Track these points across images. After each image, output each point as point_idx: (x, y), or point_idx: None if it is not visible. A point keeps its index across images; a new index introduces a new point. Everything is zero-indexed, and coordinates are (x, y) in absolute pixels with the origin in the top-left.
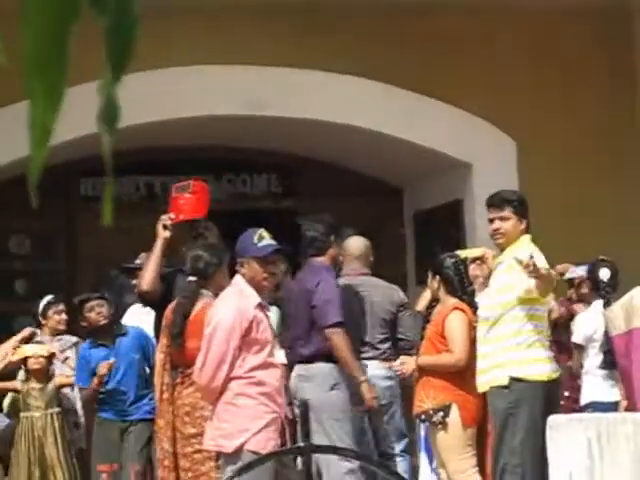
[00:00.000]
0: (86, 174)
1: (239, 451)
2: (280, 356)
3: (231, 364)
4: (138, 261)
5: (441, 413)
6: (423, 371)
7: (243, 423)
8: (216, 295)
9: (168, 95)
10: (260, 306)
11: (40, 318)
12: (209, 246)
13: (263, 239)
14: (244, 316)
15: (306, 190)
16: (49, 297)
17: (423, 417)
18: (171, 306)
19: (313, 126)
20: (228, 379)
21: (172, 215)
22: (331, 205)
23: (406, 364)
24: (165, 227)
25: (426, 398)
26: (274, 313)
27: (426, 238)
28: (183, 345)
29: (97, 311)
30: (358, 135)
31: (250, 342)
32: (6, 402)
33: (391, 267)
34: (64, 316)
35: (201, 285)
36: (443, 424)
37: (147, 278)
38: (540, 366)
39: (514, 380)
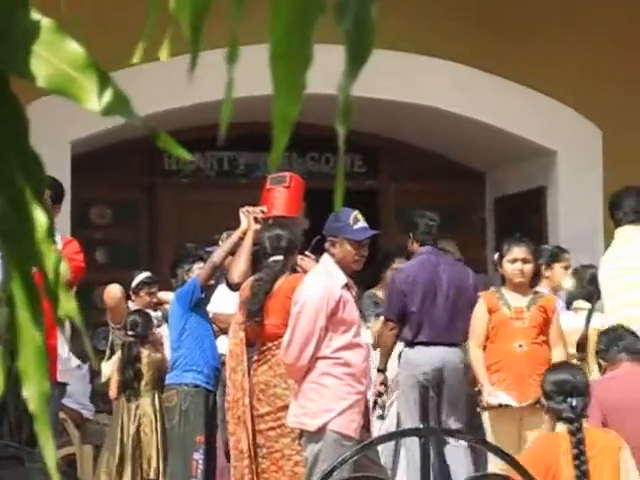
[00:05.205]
0: None
1: (322, 430)
2: (366, 336)
3: (317, 344)
4: (220, 235)
5: None
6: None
7: (328, 403)
8: (293, 271)
9: (254, 71)
10: (347, 286)
11: (131, 293)
12: (283, 225)
13: (358, 221)
14: (331, 296)
15: (389, 171)
16: (145, 275)
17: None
18: (247, 283)
19: (399, 108)
20: (314, 358)
21: (264, 209)
22: (413, 187)
23: None
24: (256, 220)
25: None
26: None
27: (507, 224)
28: (262, 322)
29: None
30: (443, 118)
31: (337, 322)
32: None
33: (471, 251)
34: (155, 299)
35: (285, 264)
36: None
37: (239, 271)
38: None
39: None
